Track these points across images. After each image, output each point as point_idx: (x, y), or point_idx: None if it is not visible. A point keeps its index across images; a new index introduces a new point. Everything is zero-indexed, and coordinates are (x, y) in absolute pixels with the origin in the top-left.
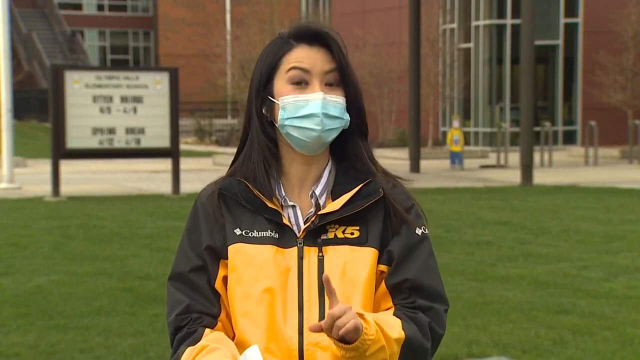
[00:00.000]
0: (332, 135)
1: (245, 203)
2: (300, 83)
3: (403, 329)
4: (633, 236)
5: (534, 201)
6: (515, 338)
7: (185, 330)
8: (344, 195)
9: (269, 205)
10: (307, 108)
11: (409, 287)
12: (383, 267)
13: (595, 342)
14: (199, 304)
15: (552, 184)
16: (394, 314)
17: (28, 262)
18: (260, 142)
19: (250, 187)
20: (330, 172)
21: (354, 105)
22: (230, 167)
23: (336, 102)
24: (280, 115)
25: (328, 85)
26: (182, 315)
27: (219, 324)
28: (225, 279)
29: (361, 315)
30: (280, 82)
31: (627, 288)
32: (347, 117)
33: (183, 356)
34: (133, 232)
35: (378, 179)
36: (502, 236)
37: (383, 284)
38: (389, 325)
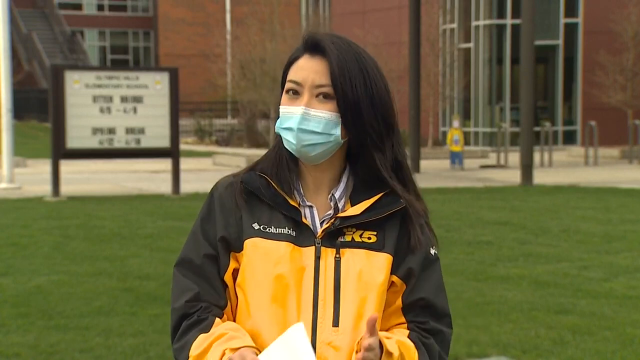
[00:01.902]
0: (317, 150)
1: (266, 198)
2: (296, 93)
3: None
4: (633, 236)
5: (534, 201)
6: (515, 338)
7: (196, 317)
8: (364, 202)
9: (290, 202)
10: (289, 122)
11: (422, 306)
12: (397, 280)
13: (595, 342)
14: (208, 293)
15: (552, 184)
16: (411, 338)
17: (28, 262)
18: (281, 143)
19: (272, 182)
20: (348, 178)
21: (349, 119)
22: (259, 159)
23: (319, 116)
24: (277, 123)
25: (322, 97)
26: (192, 302)
27: (225, 316)
28: (234, 271)
29: (388, 354)
30: (284, 91)
31: (627, 288)
32: (336, 132)
33: (195, 342)
34: (133, 232)
35: (398, 191)
36: (502, 236)
37: (399, 300)
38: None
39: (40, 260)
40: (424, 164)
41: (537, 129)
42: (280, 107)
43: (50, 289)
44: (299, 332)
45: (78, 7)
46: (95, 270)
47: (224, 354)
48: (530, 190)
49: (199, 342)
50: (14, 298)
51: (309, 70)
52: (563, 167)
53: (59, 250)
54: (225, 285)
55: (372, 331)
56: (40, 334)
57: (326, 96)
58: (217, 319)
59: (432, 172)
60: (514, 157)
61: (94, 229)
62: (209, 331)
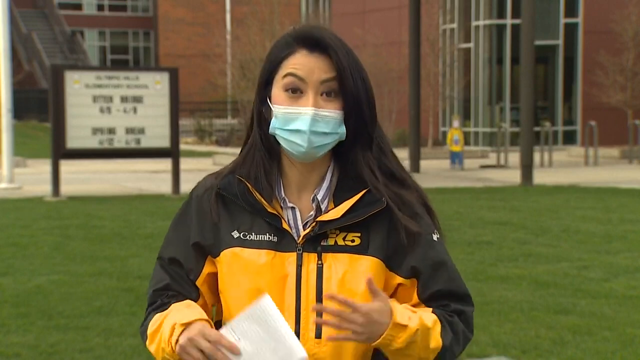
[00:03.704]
0: (323, 150)
1: (245, 205)
2: (295, 91)
3: (441, 336)
4: (633, 236)
5: (534, 201)
6: (515, 338)
7: (159, 302)
8: (345, 202)
9: (269, 210)
10: (296, 123)
11: (441, 295)
12: (403, 280)
13: (595, 342)
14: (179, 285)
15: (552, 184)
16: (435, 313)
17: (28, 262)
18: (259, 142)
19: (251, 188)
20: (332, 175)
21: (352, 116)
22: (234, 161)
23: (328, 116)
24: (272, 123)
25: (326, 95)
26: (159, 291)
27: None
28: (209, 275)
29: (399, 326)
30: (277, 87)
31: (627, 288)
32: (342, 130)
33: (151, 321)
34: (133, 232)
35: (380, 188)
36: (502, 236)
37: (415, 297)
38: (432, 334)
39: (40, 260)
40: (424, 164)
41: (537, 129)
42: (279, 106)
43: (50, 289)
44: (268, 303)
45: (78, 7)
46: (95, 270)
47: (173, 328)
48: (530, 190)
49: (154, 320)
50: (14, 298)
51: (311, 66)
52: (563, 167)
53: (59, 250)
54: (197, 289)
55: (375, 293)
56: (40, 334)
57: (329, 94)
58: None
59: (432, 172)
60: (514, 157)
61: (94, 229)
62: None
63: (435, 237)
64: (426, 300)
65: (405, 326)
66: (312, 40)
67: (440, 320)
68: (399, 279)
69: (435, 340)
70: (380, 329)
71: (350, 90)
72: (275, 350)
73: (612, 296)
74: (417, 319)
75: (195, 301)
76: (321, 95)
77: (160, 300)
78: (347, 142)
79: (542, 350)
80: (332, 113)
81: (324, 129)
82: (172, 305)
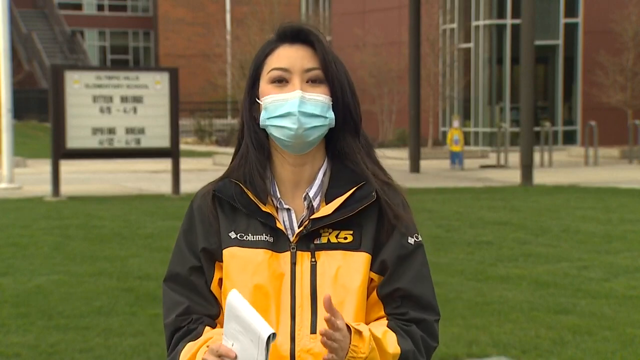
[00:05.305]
0: (315, 134)
1: (240, 206)
2: (281, 82)
3: (399, 343)
4: (633, 236)
5: (534, 201)
6: (515, 338)
7: (185, 329)
8: (337, 199)
9: (263, 209)
10: (285, 107)
11: (401, 296)
12: (374, 276)
13: (595, 342)
14: (199, 305)
15: (552, 184)
16: (388, 326)
17: (28, 262)
18: (251, 145)
19: (245, 189)
20: (325, 174)
21: (339, 102)
22: (228, 168)
23: (316, 100)
24: (262, 115)
25: (311, 83)
26: (182, 316)
27: (218, 325)
28: (220, 281)
29: (358, 332)
30: (263, 83)
31: (627, 288)
32: (330, 115)
33: (183, 350)
34: (133, 232)
35: (372, 181)
36: (502, 236)
37: (375, 293)
38: (386, 341)
39: (40, 260)
40: (424, 164)
41: (537, 129)
42: (267, 97)
43: (50, 289)
44: (233, 298)
45: (78, 7)
46: (95, 270)
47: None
48: (530, 190)
49: (187, 350)
50: (14, 298)
51: (294, 56)
52: (563, 167)
53: (59, 250)
54: (214, 295)
55: (332, 312)
56: (40, 334)
57: (314, 80)
58: (207, 327)
59: (432, 172)
60: (514, 157)
61: (94, 229)
62: (197, 339)
63: (413, 239)
64: (384, 298)
65: (360, 332)
66: (292, 33)
67: (395, 330)
68: (371, 274)
69: (393, 347)
70: (347, 342)
71: (335, 76)
72: (251, 340)
73: (612, 296)
74: (364, 326)
75: (218, 315)
76: (307, 82)
77: (186, 327)
78: (336, 131)
79: (542, 350)
80: (319, 96)
81: (313, 111)
82: (208, 333)
